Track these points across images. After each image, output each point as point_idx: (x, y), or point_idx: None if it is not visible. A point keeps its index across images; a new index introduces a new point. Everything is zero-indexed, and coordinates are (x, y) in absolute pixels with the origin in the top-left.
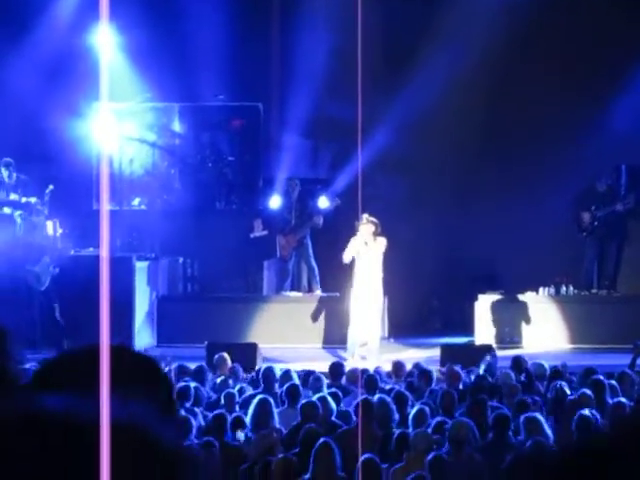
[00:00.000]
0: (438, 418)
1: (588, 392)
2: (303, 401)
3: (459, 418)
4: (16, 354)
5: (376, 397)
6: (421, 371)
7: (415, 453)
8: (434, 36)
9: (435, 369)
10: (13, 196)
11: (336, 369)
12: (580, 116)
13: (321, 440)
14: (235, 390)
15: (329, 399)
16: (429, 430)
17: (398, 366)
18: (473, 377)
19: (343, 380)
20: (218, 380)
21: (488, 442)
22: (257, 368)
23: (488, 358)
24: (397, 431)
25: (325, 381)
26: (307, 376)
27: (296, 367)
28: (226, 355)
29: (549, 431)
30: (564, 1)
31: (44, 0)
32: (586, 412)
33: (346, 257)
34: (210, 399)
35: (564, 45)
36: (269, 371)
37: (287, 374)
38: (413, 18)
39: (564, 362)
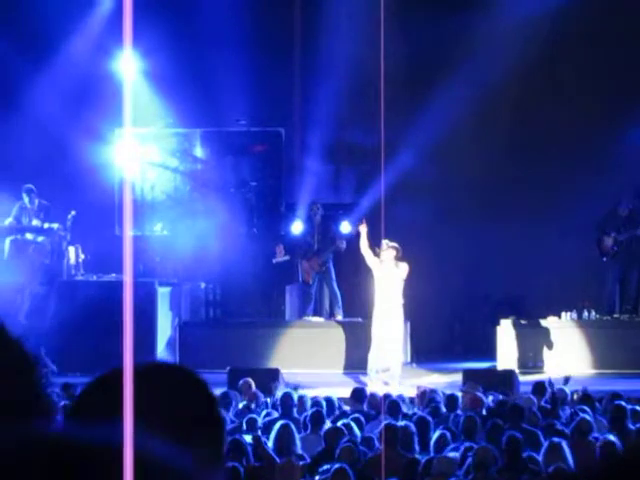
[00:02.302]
0: (460, 443)
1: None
2: (327, 427)
3: (483, 443)
4: (48, 383)
5: (400, 423)
6: (446, 396)
7: (437, 478)
8: (456, 58)
9: (460, 393)
10: (35, 222)
11: (358, 394)
12: (603, 140)
13: (337, 465)
14: (258, 416)
15: (353, 425)
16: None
17: (422, 392)
18: (492, 401)
19: (365, 405)
20: (240, 405)
21: (501, 466)
22: (278, 393)
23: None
24: (423, 457)
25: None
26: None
27: (318, 392)
28: (250, 380)
29: (570, 457)
30: (590, 22)
31: (67, 26)
32: (604, 436)
33: (363, 247)
34: (233, 424)
35: (588, 68)
36: (287, 396)
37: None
38: (435, 41)
39: (585, 387)
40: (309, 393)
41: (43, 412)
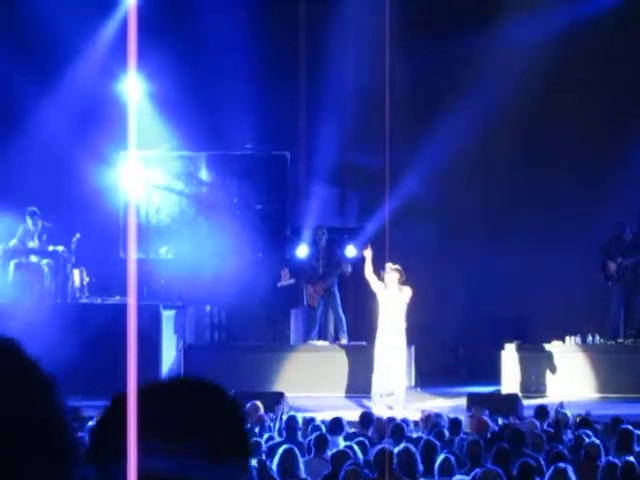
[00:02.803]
0: (467, 468)
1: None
2: (334, 450)
3: (488, 467)
4: (66, 405)
5: (401, 446)
6: (450, 420)
7: None
8: (461, 82)
9: (464, 417)
10: (38, 244)
11: (367, 419)
12: (607, 164)
13: None
14: (262, 439)
15: (356, 448)
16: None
17: (427, 416)
18: (498, 425)
19: (371, 430)
20: None
21: None
22: (282, 417)
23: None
24: None
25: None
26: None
27: (323, 416)
28: (259, 404)
29: None
30: (594, 44)
31: (73, 48)
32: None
33: (367, 272)
34: None
35: (593, 91)
36: (292, 420)
37: (310, 422)
38: (439, 66)
39: (588, 411)
40: (313, 417)
41: (61, 434)
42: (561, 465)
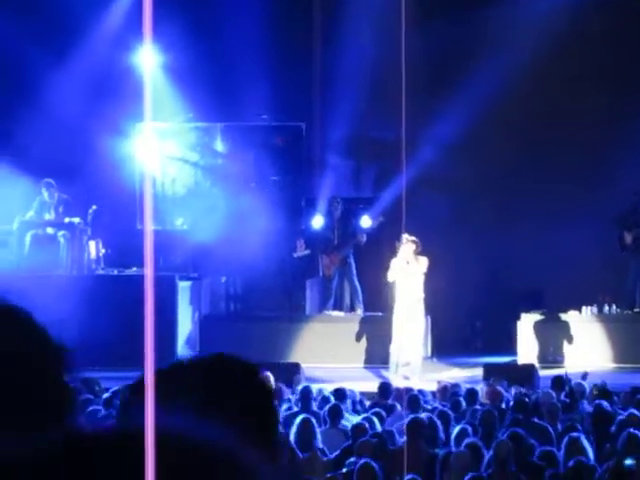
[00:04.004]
0: (474, 438)
1: (636, 412)
2: (354, 423)
3: (502, 438)
4: (73, 374)
5: (423, 416)
6: (466, 390)
7: (454, 473)
8: (476, 55)
9: (480, 387)
10: (55, 216)
11: (385, 389)
12: (623, 134)
13: (362, 461)
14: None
15: (374, 419)
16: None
17: (443, 387)
18: (513, 396)
19: (390, 400)
20: None
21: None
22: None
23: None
24: (441, 452)
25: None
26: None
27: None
28: (269, 374)
29: (590, 451)
30: (611, 18)
31: (88, 20)
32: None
33: (390, 277)
34: None
35: (609, 65)
36: (307, 390)
37: (321, 393)
38: (455, 37)
39: (604, 381)
40: (328, 388)
41: (64, 404)
42: (574, 434)
